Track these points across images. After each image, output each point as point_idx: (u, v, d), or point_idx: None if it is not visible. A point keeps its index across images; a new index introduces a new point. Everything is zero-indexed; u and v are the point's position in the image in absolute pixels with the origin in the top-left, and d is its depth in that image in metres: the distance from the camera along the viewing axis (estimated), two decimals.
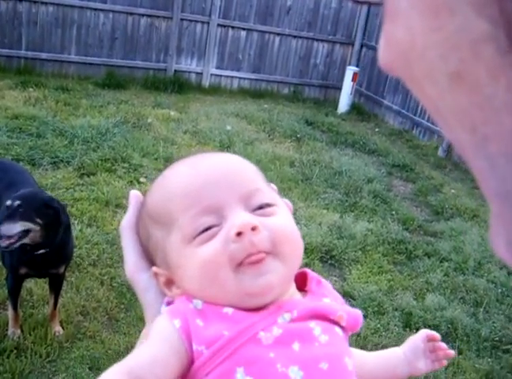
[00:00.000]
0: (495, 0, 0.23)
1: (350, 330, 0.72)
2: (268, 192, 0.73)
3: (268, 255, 0.67)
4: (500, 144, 0.26)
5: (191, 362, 0.64)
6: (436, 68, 0.26)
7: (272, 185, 0.78)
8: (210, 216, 0.68)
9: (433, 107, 0.29)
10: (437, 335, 0.91)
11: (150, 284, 0.74)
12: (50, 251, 3.02)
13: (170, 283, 0.71)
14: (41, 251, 3.00)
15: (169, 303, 0.71)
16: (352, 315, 0.72)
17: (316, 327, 0.67)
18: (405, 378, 0.89)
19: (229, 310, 0.66)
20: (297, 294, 0.72)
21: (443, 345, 0.91)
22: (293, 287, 0.72)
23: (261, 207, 0.70)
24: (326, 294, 0.73)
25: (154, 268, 0.73)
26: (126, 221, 0.77)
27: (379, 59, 0.31)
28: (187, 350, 0.64)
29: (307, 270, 0.75)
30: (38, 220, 2.90)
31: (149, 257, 0.75)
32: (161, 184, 0.75)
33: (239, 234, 0.66)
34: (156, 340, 0.64)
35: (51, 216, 2.94)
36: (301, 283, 0.74)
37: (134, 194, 0.79)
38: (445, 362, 0.92)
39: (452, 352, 0.92)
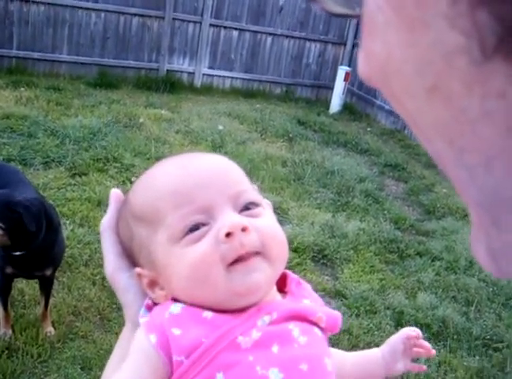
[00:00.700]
0: (468, 12, 0.23)
1: (329, 331, 0.72)
2: (254, 193, 0.73)
3: (257, 255, 0.67)
4: (478, 155, 0.26)
5: (172, 373, 0.64)
6: (413, 82, 0.27)
7: (253, 185, 0.78)
8: (200, 216, 0.68)
9: (411, 120, 0.29)
10: (418, 333, 0.90)
11: (130, 284, 0.74)
12: (30, 254, 2.96)
13: (153, 284, 0.71)
14: (17, 253, 2.95)
15: (148, 307, 0.71)
16: (332, 316, 0.72)
17: (295, 328, 0.67)
18: (382, 378, 0.89)
19: (208, 314, 0.65)
20: (277, 296, 0.72)
21: (425, 344, 0.90)
22: (274, 288, 0.72)
23: (248, 207, 0.70)
24: (306, 296, 0.74)
25: (137, 270, 0.72)
26: (107, 221, 0.77)
27: (359, 71, 0.31)
28: (166, 364, 0.64)
29: (287, 271, 0.75)
30: (0, 224, 2.81)
31: (130, 257, 0.75)
32: (148, 183, 0.75)
33: (228, 234, 0.66)
34: (134, 359, 0.65)
35: (17, 220, 2.82)
36: (281, 284, 0.74)
37: (115, 193, 0.79)
38: (424, 367, 0.92)
39: (433, 351, 0.91)
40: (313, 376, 0.65)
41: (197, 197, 0.68)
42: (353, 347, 3.54)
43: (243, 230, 0.66)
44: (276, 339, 0.65)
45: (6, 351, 3.10)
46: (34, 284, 3.54)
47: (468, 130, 0.26)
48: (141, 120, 6.97)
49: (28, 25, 8.09)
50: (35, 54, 8.20)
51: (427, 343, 0.90)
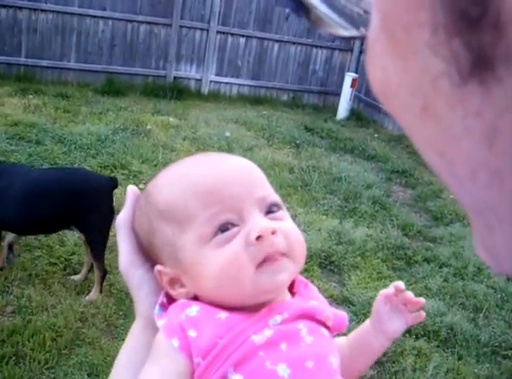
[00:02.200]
0: (446, 41, 0.26)
1: (336, 330, 0.75)
2: (276, 195, 0.76)
3: (283, 256, 0.69)
4: (464, 167, 0.29)
5: (193, 375, 0.66)
6: (408, 103, 0.30)
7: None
8: (229, 214, 0.70)
9: (410, 134, 0.33)
10: (397, 287, 0.86)
11: (143, 280, 0.75)
12: None
13: (174, 282, 0.72)
14: None
15: (163, 305, 0.72)
16: (339, 316, 0.75)
17: (303, 328, 0.69)
18: (386, 347, 0.86)
19: (222, 315, 0.67)
20: (288, 296, 0.74)
21: (409, 296, 0.86)
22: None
23: (272, 210, 0.73)
24: (313, 297, 0.76)
25: (158, 267, 0.73)
26: (123, 216, 0.78)
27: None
28: (189, 366, 0.65)
29: None
30: None
31: (147, 252, 0.76)
32: (174, 180, 0.75)
33: (258, 237, 0.68)
34: (159, 364, 0.66)
35: None
36: (290, 285, 0.76)
37: (131, 189, 0.80)
38: (423, 314, 0.88)
39: (421, 300, 0.88)
40: (318, 373, 0.67)
41: (226, 197, 0.70)
42: None
43: (273, 233, 0.69)
44: (284, 337, 0.67)
45: (14, 357, 3.11)
46: (41, 290, 3.55)
47: (455, 145, 0.29)
48: (149, 127, 6.99)
49: (36, 33, 8.15)
50: (44, 62, 8.25)
51: (411, 294, 0.87)
